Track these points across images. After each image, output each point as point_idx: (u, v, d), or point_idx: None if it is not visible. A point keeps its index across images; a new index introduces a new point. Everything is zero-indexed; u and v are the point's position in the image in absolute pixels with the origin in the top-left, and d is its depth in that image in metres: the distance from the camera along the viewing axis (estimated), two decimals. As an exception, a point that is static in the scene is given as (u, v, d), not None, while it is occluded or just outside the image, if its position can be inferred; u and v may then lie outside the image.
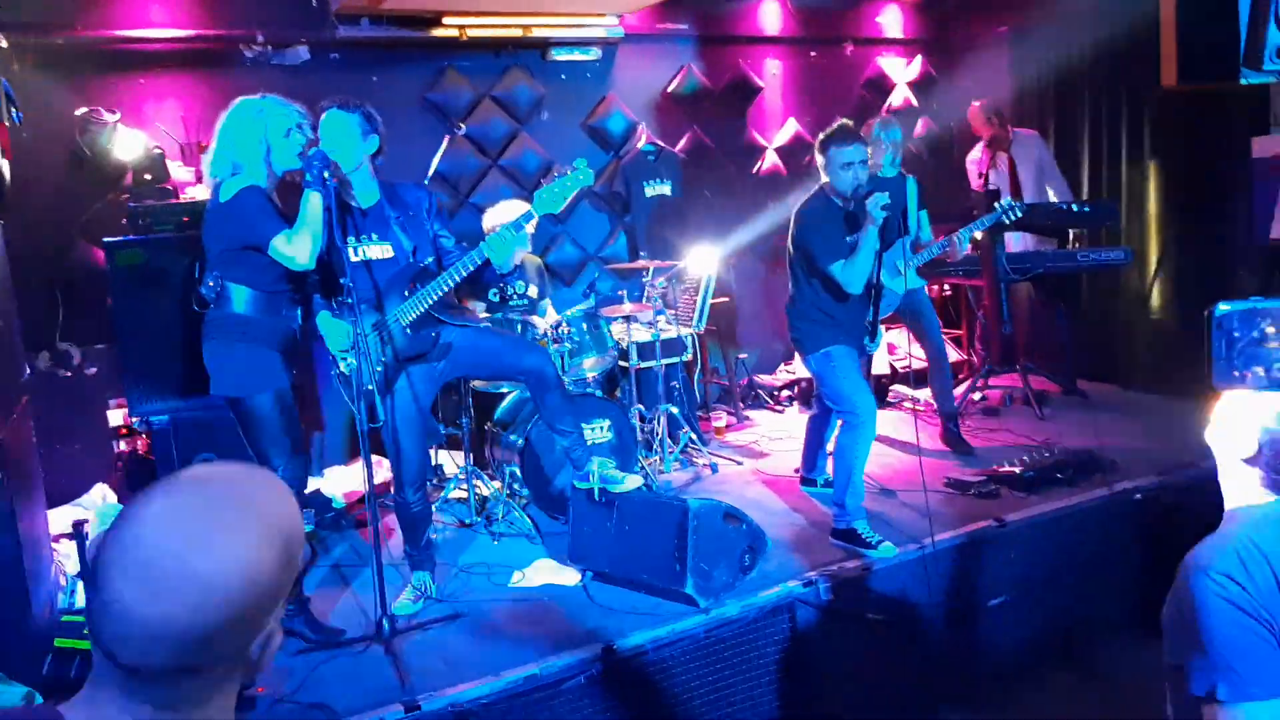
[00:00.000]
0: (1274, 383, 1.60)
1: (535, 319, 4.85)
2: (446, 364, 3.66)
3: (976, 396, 6.00)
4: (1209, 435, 1.75)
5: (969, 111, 6.41)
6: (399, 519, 3.79)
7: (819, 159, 4.04)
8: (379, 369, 3.48)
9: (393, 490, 3.74)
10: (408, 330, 3.50)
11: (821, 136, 4.06)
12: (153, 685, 0.95)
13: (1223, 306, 1.62)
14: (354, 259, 3.46)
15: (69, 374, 4.78)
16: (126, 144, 4.71)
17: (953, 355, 6.74)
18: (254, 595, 0.95)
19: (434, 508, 4.49)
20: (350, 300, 3.17)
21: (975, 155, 6.51)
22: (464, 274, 3.43)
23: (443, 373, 3.71)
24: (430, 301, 3.46)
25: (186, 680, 0.96)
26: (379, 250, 3.50)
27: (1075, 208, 5.94)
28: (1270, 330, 1.60)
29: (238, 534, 0.95)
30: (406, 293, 3.48)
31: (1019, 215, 4.83)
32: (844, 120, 4.11)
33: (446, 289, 3.46)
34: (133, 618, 0.92)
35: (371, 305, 3.49)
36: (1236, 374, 1.62)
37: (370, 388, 3.41)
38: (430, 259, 3.55)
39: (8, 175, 3.57)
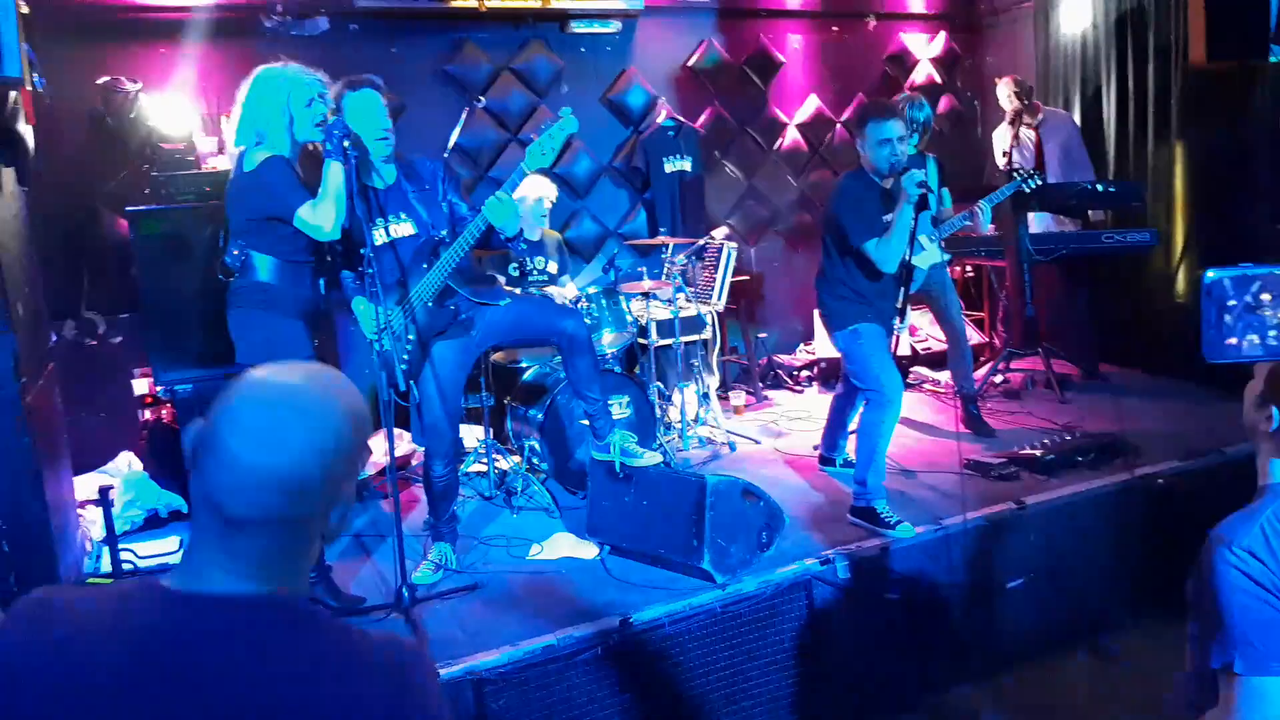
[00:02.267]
0: (1270, 351, 1.53)
1: (554, 290, 4.84)
2: (480, 333, 3.67)
3: (997, 379, 5.96)
4: (1245, 411, 1.73)
5: (997, 87, 6.34)
6: (426, 491, 3.82)
7: (857, 134, 4.00)
8: (408, 347, 3.49)
9: (422, 462, 3.77)
10: (429, 305, 3.51)
11: (860, 111, 4.02)
12: (254, 537, 1.10)
13: (1211, 273, 1.54)
14: (384, 239, 3.46)
15: (94, 343, 4.82)
16: (148, 113, 4.71)
17: (974, 337, 6.70)
18: (343, 457, 1.13)
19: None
20: (371, 270, 3.18)
21: (1000, 132, 6.44)
22: (470, 242, 3.42)
23: (479, 342, 3.71)
24: (446, 273, 3.46)
25: (282, 534, 1.11)
26: (404, 228, 3.50)
27: (1100, 187, 5.87)
28: (1265, 297, 1.52)
29: (332, 405, 1.14)
30: (425, 267, 3.49)
31: (1037, 185, 4.77)
32: (882, 98, 4.07)
33: (458, 258, 3.46)
34: (244, 467, 1.08)
35: (397, 283, 3.50)
36: (1231, 343, 1.55)
37: (403, 366, 3.43)
38: (445, 231, 3.55)
39: (32, 142, 3.58)
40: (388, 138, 3.44)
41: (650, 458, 3.80)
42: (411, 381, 3.54)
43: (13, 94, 3.39)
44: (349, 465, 1.15)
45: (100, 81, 4.70)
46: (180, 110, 4.83)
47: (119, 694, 1.03)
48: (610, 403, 4.54)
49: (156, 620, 1.08)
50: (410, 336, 3.52)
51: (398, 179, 3.53)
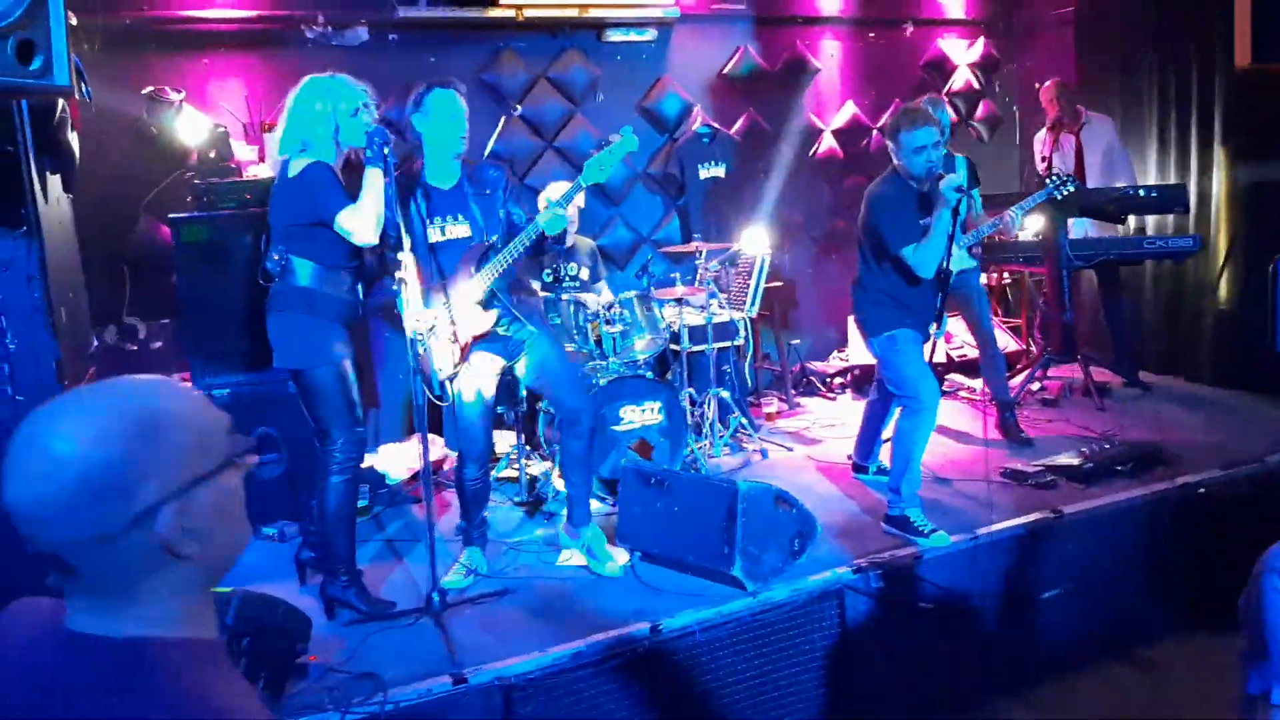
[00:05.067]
0: None
1: (587, 298, 4.85)
2: (514, 349, 3.69)
3: (1035, 386, 5.88)
4: None
5: (1041, 91, 6.28)
6: (459, 494, 3.85)
7: (889, 144, 3.97)
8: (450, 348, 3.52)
9: (456, 466, 3.80)
10: (476, 305, 3.53)
11: (890, 121, 3.99)
12: (67, 567, 1.01)
13: None
14: (436, 239, 3.51)
15: (134, 348, 4.91)
16: (191, 123, 4.81)
17: (1012, 344, 6.63)
18: (105, 466, 0.99)
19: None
20: (402, 276, 3.21)
21: (1041, 136, 6.38)
22: (524, 247, 3.47)
23: (511, 354, 3.71)
24: (494, 276, 3.49)
25: (90, 558, 1.01)
26: (460, 229, 3.55)
27: (1142, 193, 5.78)
28: None
29: (86, 416, 1.02)
30: (473, 270, 3.52)
31: (1070, 191, 4.71)
32: (909, 104, 4.03)
33: (509, 263, 3.50)
34: (18, 510, 1.00)
35: (445, 284, 3.53)
36: None
37: (439, 368, 3.47)
38: (497, 236, 3.59)
39: (78, 151, 3.67)
40: (464, 137, 3.51)
41: (615, 565, 3.76)
42: (448, 382, 3.57)
43: (61, 103, 3.47)
44: (128, 471, 1.00)
45: (144, 91, 4.80)
46: (222, 120, 4.92)
47: None
48: (642, 408, 4.56)
49: (19, 657, 1.04)
50: (451, 339, 3.54)
51: (460, 181, 3.58)
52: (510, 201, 3.65)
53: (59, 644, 1.03)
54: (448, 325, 3.53)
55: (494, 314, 3.59)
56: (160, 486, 1.02)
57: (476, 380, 3.64)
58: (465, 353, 3.59)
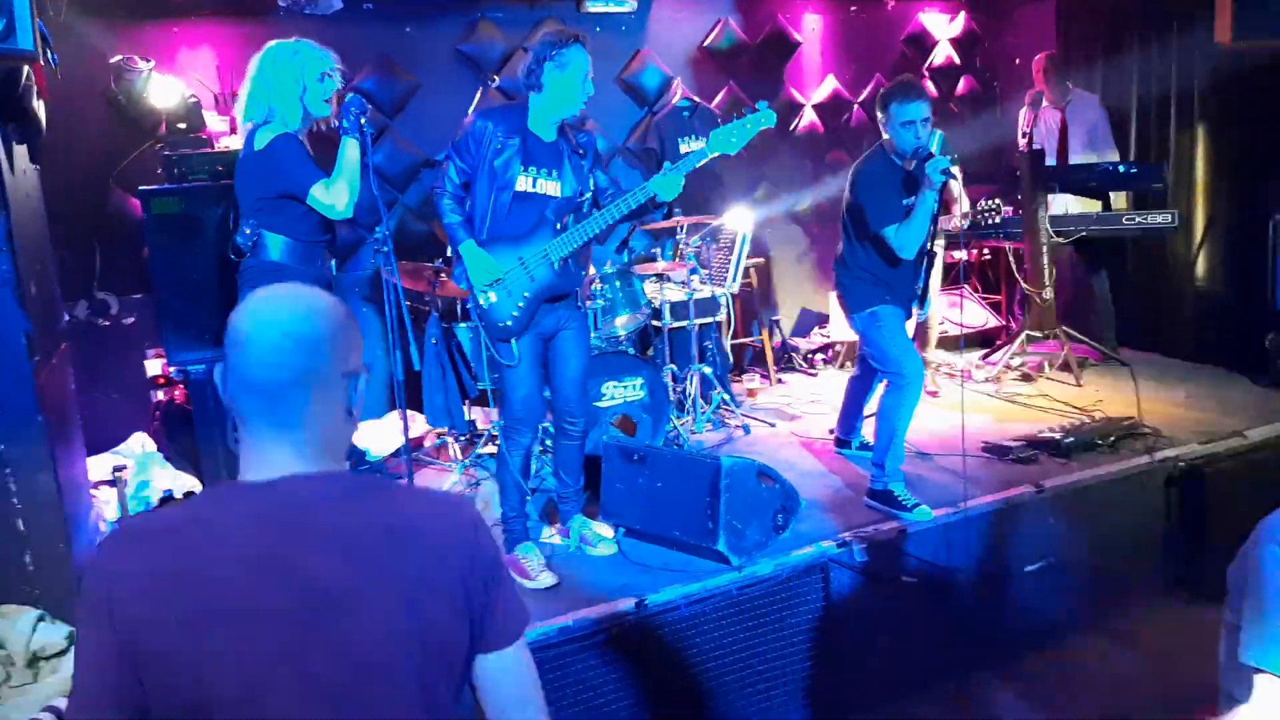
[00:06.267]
0: None
1: None
2: (559, 327, 3.59)
3: (1015, 362, 5.90)
4: None
5: (1034, 62, 6.27)
6: (508, 471, 3.71)
7: (879, 115, 3.92)
8: (520, 303, 3.43)
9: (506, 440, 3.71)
10: (555, 265, 3.42)
11: (883, 91, 3.93)
12: (293, 399, 1.28)
13: None
14: (525, 189, 3.40)
15: (107, 323, 4.81)
16: (161, 92, 4.69)
17: (991, 321, 6.65)
18: (340, 328, 1.34)
19: (467, 463, 4.50)
20: (388, 248, 3.14)
21: (1024, 112, 6.37)
22: (629, 209, 3.37)
23: (553, 330, 3.60)
24: (588, 236, 3.40)
25: (313, 392, 1.29)
26: (550, 186, 3.44)
27: (1121, 169, 5.79)
28: None
29: (318, 294, 1.37)
30: (559, 227, 3.42)
31: (996, 223, 4.74)
32: (905, 75, 3.99)
33: (608, 224, 3.39)
34: (266, 340, 1.29)
35: (520, 240, 3.42)
36: None
37: (508, 323, 3.41)
38: (585, 196, 3.51)
39: (44, 118, 3.56)
40: (587, 98, 3.46)
41: (607, 547, 3.73)
42: (514, 341, 3.46)
43: (25, 69, 3.36)
44: (347, 336, 1.34)
45: (113, 60, 4.68)
46: (193, 90, 4.81)
47: (261, 579, 1.18)
48: (624, 384, 4.53)
49: (262, 509, 1.24)
50: (526, 294, 3.43)
51: (557, 139, 3.49)
52: (598, 168, 3.57)
53: (297, 485, 1.27)
54: (525, 280, 3.42)
55: (576, 272, 3.48)
56: (357, 360, 1.36)
57: (541, 341, 3.55)
58: (534, 311, 3.46)
